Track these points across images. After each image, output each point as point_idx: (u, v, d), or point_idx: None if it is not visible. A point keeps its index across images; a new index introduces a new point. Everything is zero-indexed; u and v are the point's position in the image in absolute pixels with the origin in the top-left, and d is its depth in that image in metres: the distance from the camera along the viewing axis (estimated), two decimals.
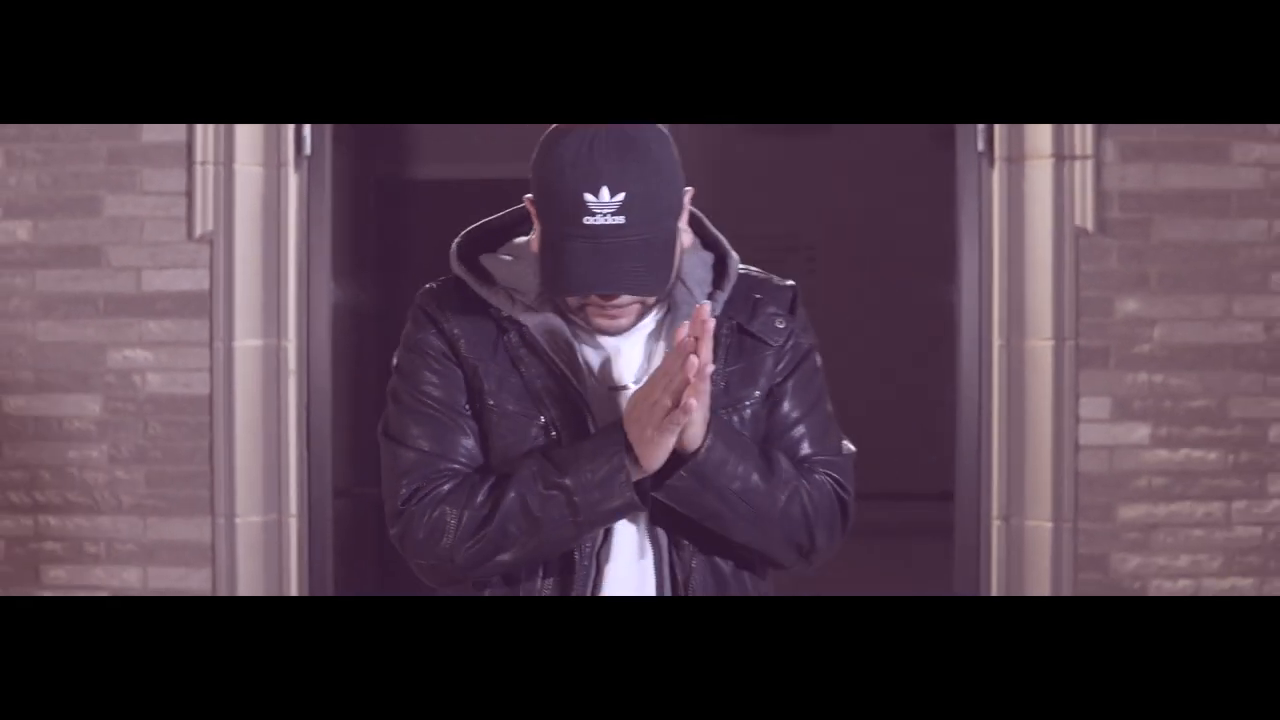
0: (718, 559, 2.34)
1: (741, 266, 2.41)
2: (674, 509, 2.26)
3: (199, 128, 4.55)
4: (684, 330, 2.12)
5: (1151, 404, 4.58)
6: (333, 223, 4.75)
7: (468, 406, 2.31)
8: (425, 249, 5.54)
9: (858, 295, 5.90)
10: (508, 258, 2.36)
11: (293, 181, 4.67)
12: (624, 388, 2.30)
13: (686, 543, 2.31)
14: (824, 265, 6.07)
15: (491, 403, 2.29)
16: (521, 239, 2.39)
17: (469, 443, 2.31)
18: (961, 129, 4.67)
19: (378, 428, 2.38)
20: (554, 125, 2.24)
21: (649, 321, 2.33)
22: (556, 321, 2.30)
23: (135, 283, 4.63)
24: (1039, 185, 4.56)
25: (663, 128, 2.25)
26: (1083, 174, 4.52)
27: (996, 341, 4.64)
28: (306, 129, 4.67)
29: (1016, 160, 4.58)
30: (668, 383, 2.13)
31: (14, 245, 4.63)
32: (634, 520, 2.31)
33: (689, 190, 2.29)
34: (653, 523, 2.30)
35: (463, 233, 2.40)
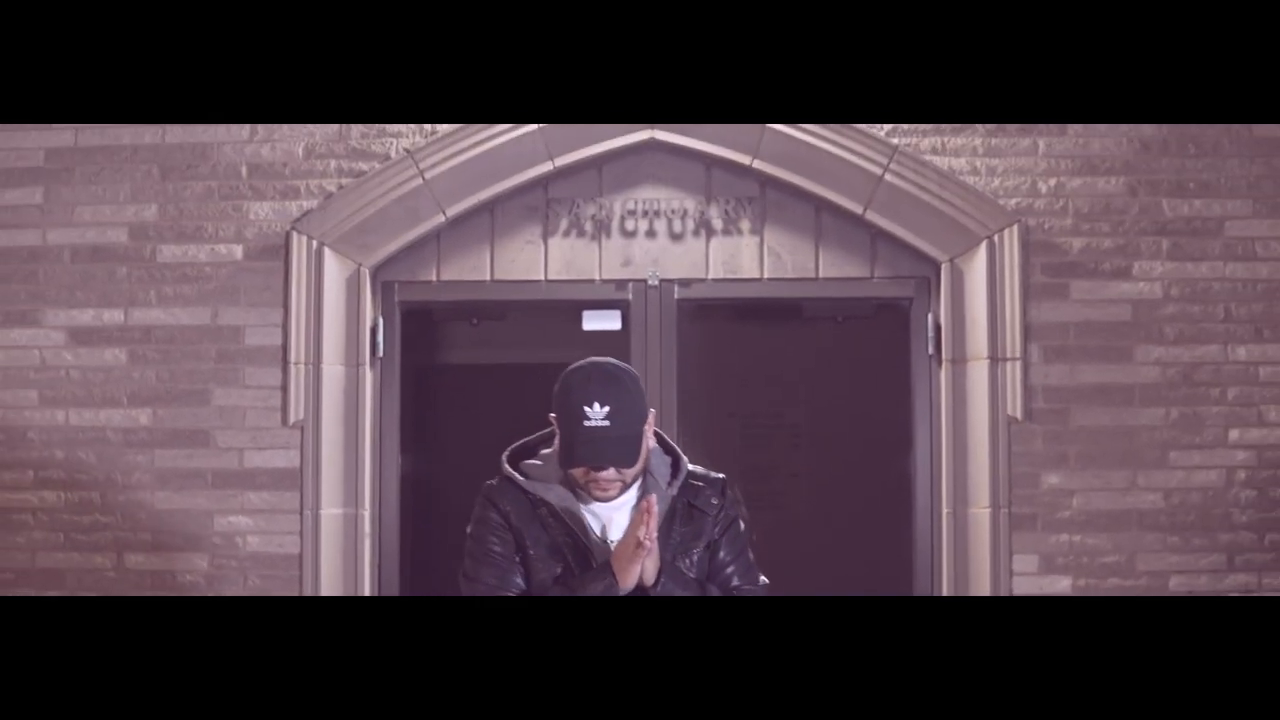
0: None
1: (690, 466, 3.53)
2: None
3: (293, 333, 5.48)
4: (646, 506, 3.26)
5: (1072, 560, 5.41)
6: (400, 410, 5.68)
7: (518, 557, 3.43)
8: (465, 429, 6.40)
9: (832, 466, 6.66)
10: (538, 462, 3.51)
11: (369, 378, 5.59)
12: (613, 541, 3.40)
13: None
14: (805, 441, 6.83)
15: (531, 553, 3.42)
16: (546, 450, 3.51)
17: (518, 579, 3.43)
18: (915, 336, 5.62)
19: (460, 573, 3.50)
20: (569, 366, 3.41)
21: (630, 496, 3.43)
22: (570, 498, 3.44)
23: (238, 461, 5.51)
24: (978, 382, 5.45)
25: (635, 371, 3.46)
26: (1013, 373, 5.39)
27: (945, 509, 5.51)
28: (380, 335, 5.61)
29: (959, 362, 5.50)
30: (634, 537, 3.28)
31: (137, 429, 5.53)
32: None
33: (652, 411, 3.42)
34: None
35: (508, 449, 3.57)
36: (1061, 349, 5.45)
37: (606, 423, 3.28)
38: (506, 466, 3.53)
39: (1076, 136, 5.49)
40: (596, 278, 5.66)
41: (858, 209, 5.53)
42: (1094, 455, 5.43)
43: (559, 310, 5.78)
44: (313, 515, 5.46)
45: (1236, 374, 5.44)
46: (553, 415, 3.41)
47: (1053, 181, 5.49)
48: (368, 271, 5.60)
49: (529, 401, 6.57)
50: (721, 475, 3.61)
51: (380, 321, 5.63)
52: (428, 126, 5.53)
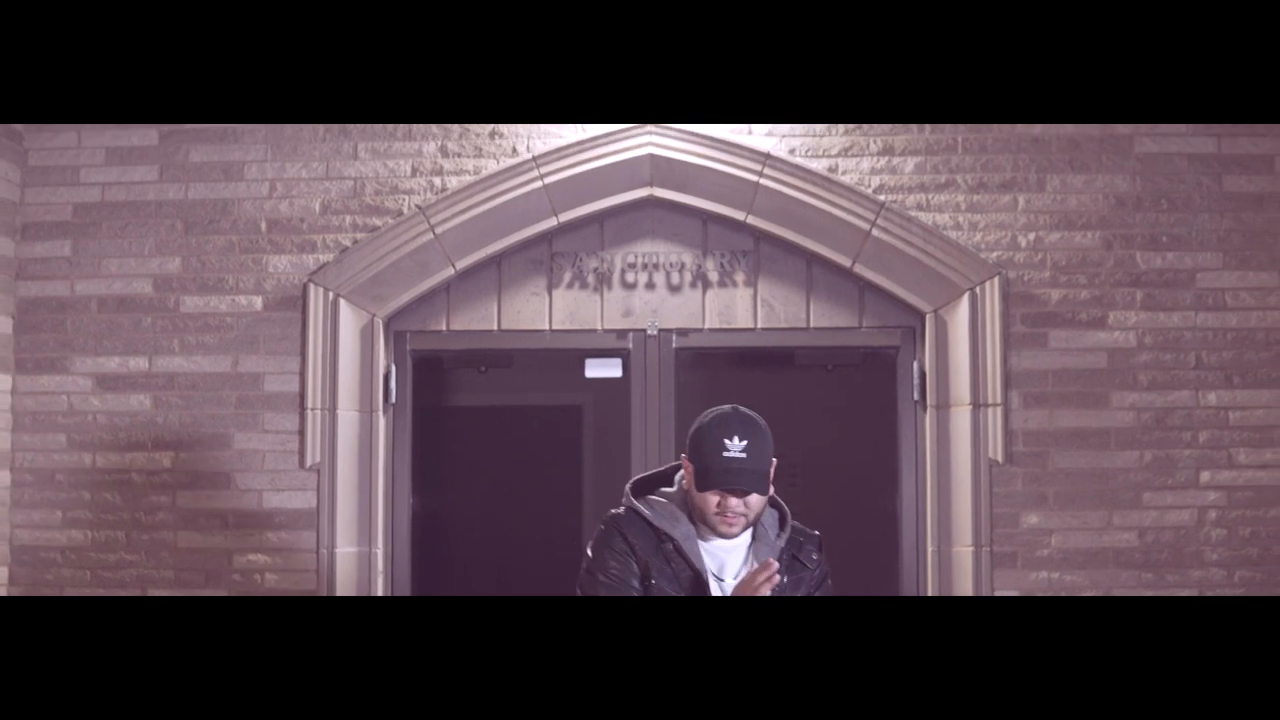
0: None
1: (792, 521, 3.91)
2: None
3: (310, 381, 5.73)
4: (769, 564, 3.64)
5: (1051, 596, 5.66)
6: (411, 453, 5.93)
7: (636, 583, 3.71)
8: (473, 469, 6.61)
9: (826, 504, 6.87)
10: (662, 499, 3.85)
11: (382, 423, 5.85)
12: (725, 581, 3.74)
13: None
14: (802, 480, 7.03)
15: (653, 582, 3.71)
16: (667, 489, 3.89)
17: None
18: (901, 383, 5.88)
19: (576, 587, 3.82)
20: (705, 411, 3.81)
21: (745, 537, 3.78)
22: (693, 536, 3.76)
23: (258, 501, 5.76)
24: (960, 426, 5.69)
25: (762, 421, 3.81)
26: (994, 418, 5.63)
27: (930, 546, 5.75)
28: (393, 382, 5.88)
29: (943, 407, 5.76)
30: (752, 585, 3.62)
31: (160, 471, 5.78)
32: None
33: (774, 460, 3.78)
34: None
35: (630, 481, 3.95)
36: (1040, 395, 5.68)
37: (744, 455, 3.69)
38: (633, 499, 3.86)
39: (1054, 193, 5.75)
40: (598, 327, 5.92)
41: (847, 262, 5.80)
42: (1072, 496, 5.65)
43: (563, 358, 6.01)
44: (328, 553, 5.71)
45: (1207, 418, 5.67)
46: (684, 455, 3.82)
47: (1032, 236, 5.74)
48: (381, 321, 5.86)
49: (533, 442, 6.85)
50: (817, 532, 4.02)
51: (393, 369, 5.90)
52: (438, 182, 5.81)
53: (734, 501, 3.72)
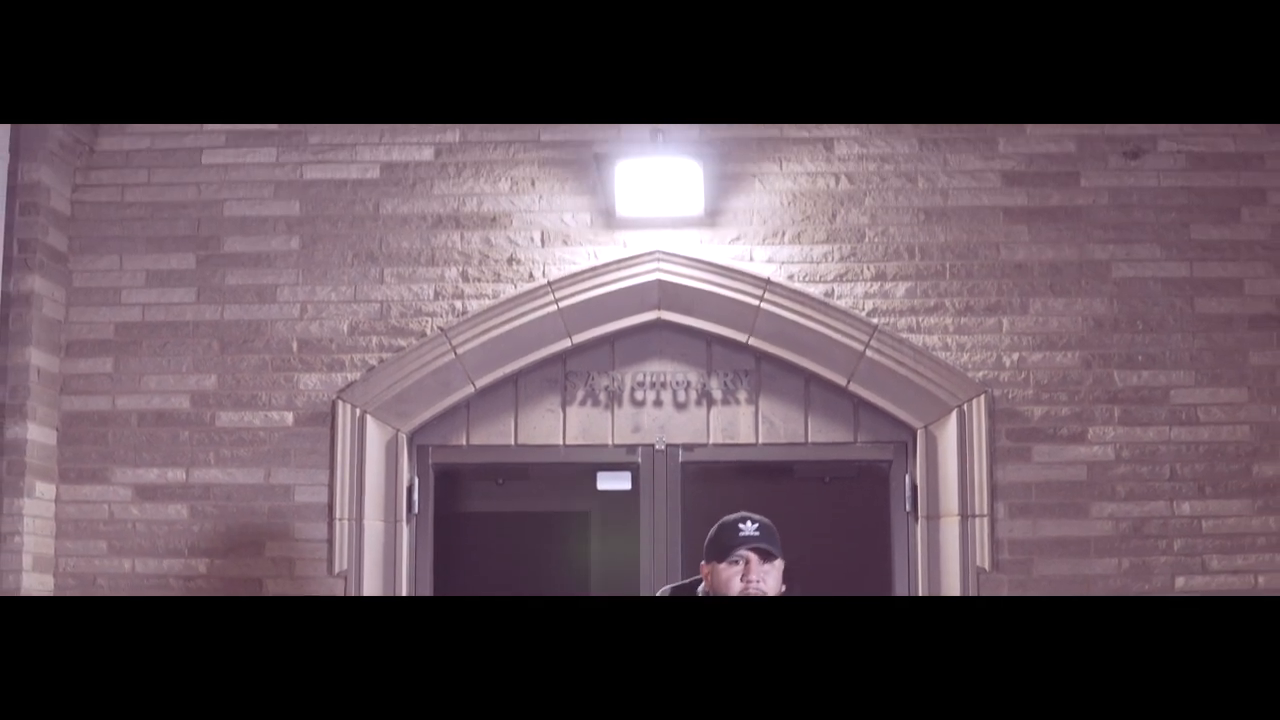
0: None
1: None
2: None
3: (338, 492, 6.07)
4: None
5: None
6: (434, 560, 6.26)
7: None
8: (491, 573, 6.94)
9: None
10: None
11: (405, 532, 6.19)
12: None
13: None
14: (800, 586, 7.34)
15: None
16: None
17: None
18: (894, 495, 6.22)
19: None
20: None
21: None
22: None
23: None
24: (950, 536, 6.01)
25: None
26: (982, 528, 5.95)
27: None
28: (415, 494, 6.22)
29: (933, 518, 6.09)
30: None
31: (196, 577, 6.10)
32: None
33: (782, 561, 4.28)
34: None
35: (665, 589, 4.56)
36: (1024, 506, 6.00)
37: (757, 533, 4.24)
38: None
39: (1036, 315, 6.13)
40: (609, 442, 6.29)
41: (842, 381, 6.18)
42: None
43: (576, 471, 6.36)
44: None
45: (1182, 527, 5.99)
46: (702, 563, 4.29)
47: (1015, 356, 6.12)
48: (405, 436, 6.23)
49: (548, 548, 7.17)
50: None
51: (415, 481, 6.25)
52: (459, 305, 6.19)
53: (754, 566, 4.19)
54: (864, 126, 6.24)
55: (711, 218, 6.20)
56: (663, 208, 6.12)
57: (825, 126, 6.24)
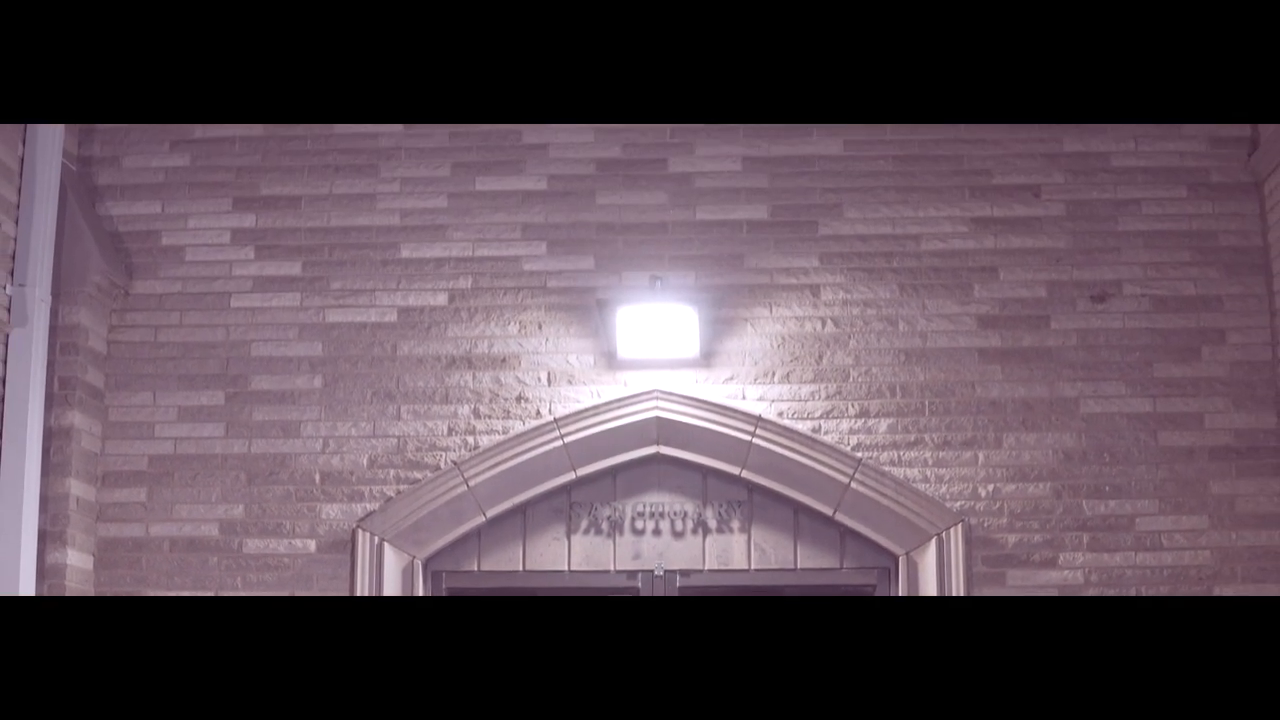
0: None
1: None
2: None
3: None
4: None
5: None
6: None
7: None
8: None
9: None
10: None
11: None
12: None
13: None
14: None
15: None
16: None
17: None
18: None
19: None
20: None
21: None
22: None
23: None
24: None
25: None
26: None
27: None
28: None
29: None
30: None
31: None
32: None
33: None
34: None
35: None
36: None
37: None
38: None
39: (1010, 449, 6.56)
40: (611, 569, 6.71)
41: (829, 511, 6.60)
42: None
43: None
44: None
45: None
46: None
47: (991, 487, 6.54)
48: (420, 562, 6.63)
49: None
50: None
51: None
52: (471, 441, 6.63)
53: None
54: (848, 273, 6.72)
55: (706, 359, 6.66)
56: (661, 350, 6.59)
57: (812, 273, 6.71)
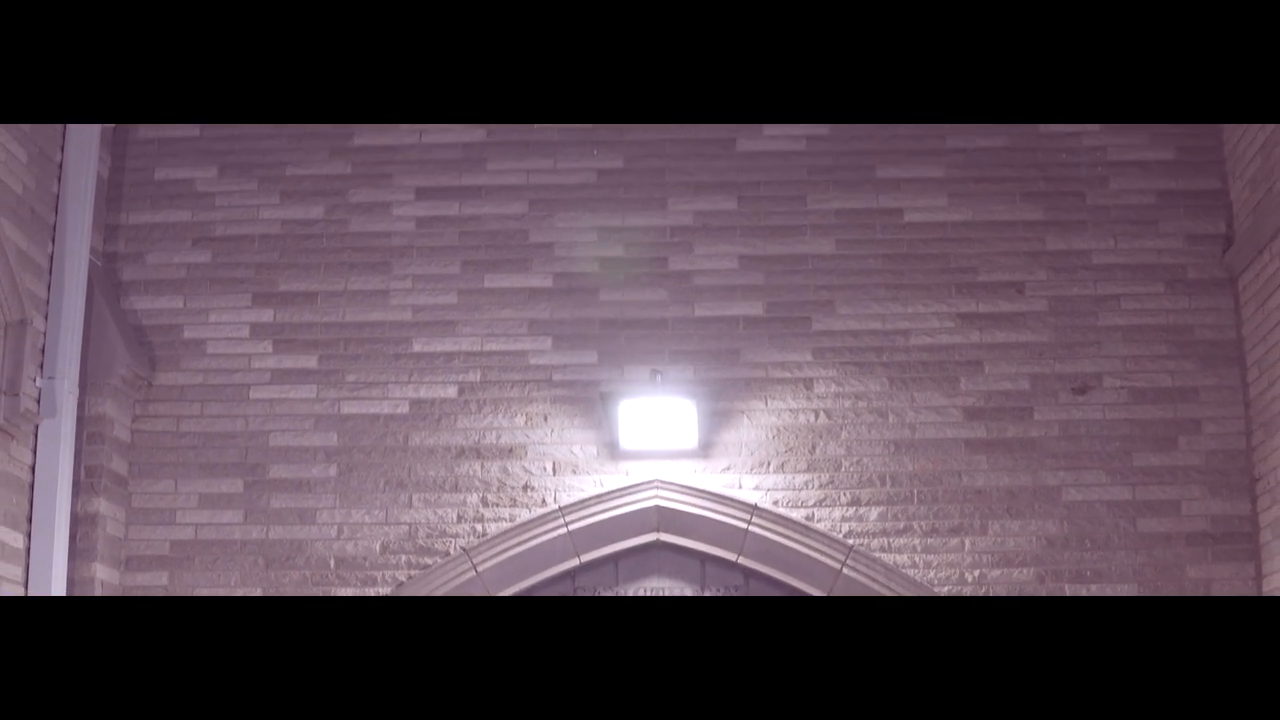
0: None
1: None
2: None
3: None
4: None
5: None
6: None
7: None
8: None
9: None
10: None
11: None
12: None
13: None
14: None
15: None
16: None
17: None
18: None
19: None
20: None
21: None
22: None
23: None
24: None
25: None
26: None
27: None
28: None
29: None
30: None
31: None
32: None
33: None
34: None
35: None
36: None
37: None
38: None
39: (995, 536, 6.85)
40: None
41: (822, 594, 6.87)
42: None
43: None
44: None
45: None
46: None
47: (977, 572, 6.83)
48: None
49: None
50: None
51: None
52: (479, 528, 6.92)
53: None
54: (840, 367, 7.04)
55: (705, 450, 6.97)
56: (661, 441, 6.89)
57: (805, 368, 7.03)
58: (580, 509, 6.92)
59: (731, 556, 6.92)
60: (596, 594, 6.98)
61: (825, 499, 6.93)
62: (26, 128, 6.58)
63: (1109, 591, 6.77)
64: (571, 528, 6.90)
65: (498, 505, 6.97)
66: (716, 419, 6.99)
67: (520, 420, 7.07)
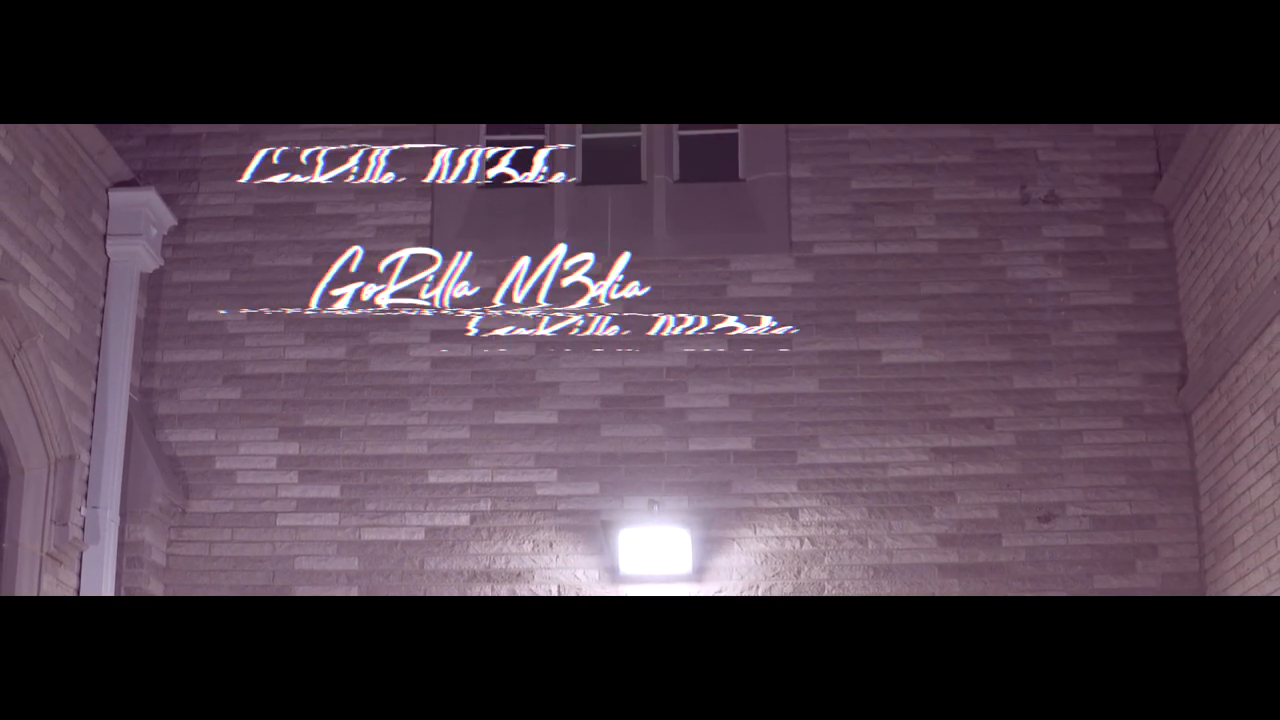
0: None
1: None
2: None
3: None
4: None
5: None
6: None
7: None
8: None
9: None
10: None
11: None
12: None
13: None
14: None
15: None
16: None
17: None
18: None
19: None
20: None
21: None
22: None
23: None
24: None
25: None
26: None
27: None
28: None
29: None
30: None
31: None
32: None
33: None
34: None
35: None
36: None
37: None
38: None
39: None
40: None
41: None
42: None
43: None
44: None
45: None
46: None
47: None
48: None
49: None
50: None
51: None
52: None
53: None
54: (823, 498, 7.56)
55: (698, 574, 7.46)
56: (658, 566, 7.38)
57: (791, 498, 7.56)
58: None
59: None
60: None
61: None
62: (73, 275, 7.11)
63: None
64: None
65: None
66: (709, 545, 7.49)
67: (528, 546, 7.57)
